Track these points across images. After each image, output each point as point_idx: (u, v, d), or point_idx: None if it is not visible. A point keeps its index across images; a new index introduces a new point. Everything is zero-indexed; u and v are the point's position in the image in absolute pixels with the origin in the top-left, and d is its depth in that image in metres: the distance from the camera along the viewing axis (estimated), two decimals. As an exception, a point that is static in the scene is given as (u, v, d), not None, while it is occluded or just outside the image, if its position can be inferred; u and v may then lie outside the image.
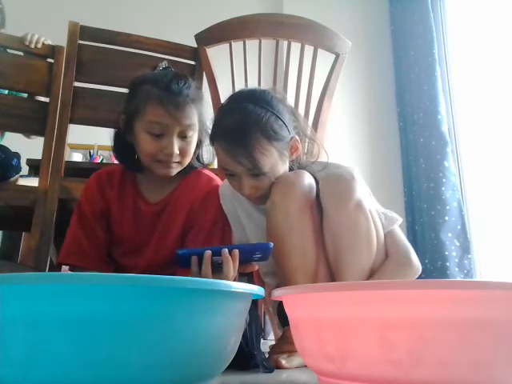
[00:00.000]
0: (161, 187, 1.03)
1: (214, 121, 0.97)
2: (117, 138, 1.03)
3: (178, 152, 0.94)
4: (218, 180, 1.08)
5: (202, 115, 0.99)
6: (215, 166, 1.20)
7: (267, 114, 0.91)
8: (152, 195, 1.03)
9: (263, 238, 0.97)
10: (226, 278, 0.79)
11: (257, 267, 0.89)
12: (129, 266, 1.01)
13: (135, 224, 1.01)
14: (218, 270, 0.80)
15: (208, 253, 0.79)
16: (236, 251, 0.80)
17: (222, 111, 0.97)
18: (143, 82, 0.96)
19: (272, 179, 0.92)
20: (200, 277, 0.79)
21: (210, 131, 0.99)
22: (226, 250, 0.80)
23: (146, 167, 1.00)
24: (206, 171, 1.09)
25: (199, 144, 1.02)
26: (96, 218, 1.00)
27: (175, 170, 0.98)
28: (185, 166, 1.00)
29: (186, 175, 1.04)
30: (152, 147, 0.94)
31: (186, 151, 0.97)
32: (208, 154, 1.06)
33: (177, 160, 0.96)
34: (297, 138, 0.97)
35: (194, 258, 0.79)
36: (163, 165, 0.96)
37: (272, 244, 0.82)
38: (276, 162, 0.92)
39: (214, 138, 0.95)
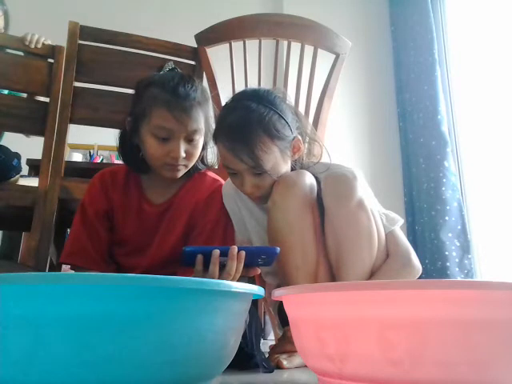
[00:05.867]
0: (165, 188, 1.03)
1: (217, 119, 0.97)
2: (122, 139, 1.03)
3: (184, 155, 0.94)
4: (221, 181, 1.08)
5: (209, 117, 0.99)
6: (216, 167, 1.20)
7: (270, 113, 0.91)
8: (156, 196, 1.03)
9: (265, 236, 0.97)
10: (228, 274, 0.78)
11: (259, 271, 0.89)
12: (130, 266, 1.01)
13: (138, 225, 1.01)
14: (222, 271, 0.80)
15: (216, 252, 0.78)
16: (242, 252, 0.79)
17: (225, 109, 0.97)
18: (150, 84, 0.95)
19: (274, 178, 0.92)
20: (203, 276, 0.79)
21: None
22: (235, 247, 0.79)
23: (150, 169, 1.00)
24: (210, 173, 1.09)
25: (204, 146, 1.02)
26: (99, 218, 1.00)
27: (181, 172, 0.98)
28: (189, 168, 1.00)
29: (190, 177, 1.04)
30: (158, 151, 0.94)
31: (192, 154, 0.97)
32: (212, 155, 1.06)
33: (183, 163, 0.96)
34: (299, 137, 0.97)
35: (199, 257, 0.79)
36: (170, 168, 0.96)
37: (278, 249, 0.81)
38: (278, 161, 0.93)
39: (216, 136, 0.95)
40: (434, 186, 2.23)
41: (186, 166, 0.98)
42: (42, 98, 1.40)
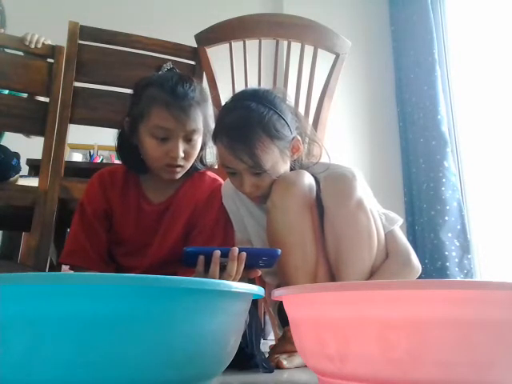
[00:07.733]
0: (164, 188, 1.04)
1: (217, 119, 0.97)
2: (121, 139, 1.03)
3: (183, 155, 0.94)
4: (221, 181, 1.08)
5: (207, 117, 0.99)
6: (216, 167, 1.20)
7: (270, 113, 0.91)
8: (155, 196, 1.03)
9: (264, 236, 0.97)
10: (228, 276, 0.78)
11: (260, 273, 0.89)
12: (130, 267, 1.01)
13: (138, 224, 1.01)
14: (222, 272, 0.79)
15: (217, 252, 0.78)
16: (243, 254, 0.79)
17: (224, 109, 0.97)
18: (148, 84, 0.95)
19: (273, 178, 0.92)
20: (205, 277, 0.79)
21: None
22: (236, 249, 0.78)
23: (149, 169, 1.00)
24: (209, 172, 1.09)
25: (203, 146, 1.02)
26: (98, 217, 1.00)
27: (179, 174, 0.98)
28: (187, 168, 1.00)
29: (190, 176, 1.04)
30: (157, 151, 0.94)
31: (191, 154, 0.97)
32: (211, 155, 1.06)
33: (181, 163, 0.96)
34: (299, 138, 0.97)
35: (201, 258, 0.78)
36: (169, 169, 0.96)
37: (280, 251, 0.80)
38: (277, 161, 0.93)
39: (216, 136, 0.95)
40: (433, 185, 2.23)
41: (183, 167, 0.98)
42: (42, 98, 1.40)
